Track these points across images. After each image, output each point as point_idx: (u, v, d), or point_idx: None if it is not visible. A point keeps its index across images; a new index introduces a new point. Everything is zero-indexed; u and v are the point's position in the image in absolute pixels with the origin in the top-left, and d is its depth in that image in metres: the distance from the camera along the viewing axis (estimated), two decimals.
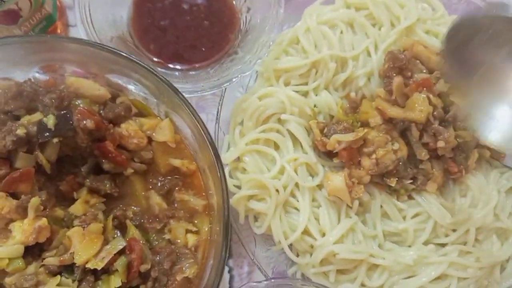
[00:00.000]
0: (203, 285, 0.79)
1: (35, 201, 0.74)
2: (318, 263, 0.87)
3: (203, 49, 1.00)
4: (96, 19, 0.92)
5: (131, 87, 0.88)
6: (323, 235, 0.88)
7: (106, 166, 0.83)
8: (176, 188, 0.86)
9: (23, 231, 0.72)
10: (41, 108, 0.80)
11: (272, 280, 0.86)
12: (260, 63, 0.96)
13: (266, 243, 0.92)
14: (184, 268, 0.79)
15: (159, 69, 0.96)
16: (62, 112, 0.77)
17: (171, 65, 0.98)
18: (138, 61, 0.79)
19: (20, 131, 0.75)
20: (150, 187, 0.86)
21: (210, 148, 0.74)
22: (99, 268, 0.73)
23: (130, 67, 0.81)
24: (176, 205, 0.86)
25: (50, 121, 0.76)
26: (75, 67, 0.88)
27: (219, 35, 1.01)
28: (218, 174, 0.74)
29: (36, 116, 0.78)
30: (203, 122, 0.77)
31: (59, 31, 0.98)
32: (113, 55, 0.80)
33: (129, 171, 0.84)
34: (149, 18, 1.00)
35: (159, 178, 0.86)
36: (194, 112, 0.77)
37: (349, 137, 0.87)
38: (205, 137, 0.75)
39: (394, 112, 0.88)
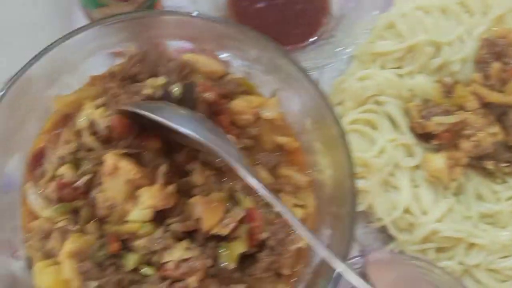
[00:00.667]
0: (313, 257, 0.81)
1: (163, 167, 0.76)
2: (419, 241, 0.89)
3: (297, 31, 1.02)
4: (197, 1, 0.95)
5: (237, 63, 0.90)
6: (425, 213, 0.90)
7: None
8: (281, 164, 0.88)
9: (152, 196, 0.74)
10: (163, 74, 0.81)
11: (369, 255, 0.87)
12: (356, 47, 0.98)
13: (364, 220, 0.94)
14: (297, 239, 0.81)
15: None
16: (187, 82, 0.79)
17: None
18: (258, 34, 0.80)
19: (147, 91, 0.77)
20: (257, 162, 0.88)
21: (335, 121, 0.76)
22: (224, 234, 0.75)
23: (247, 42, 0.83)
24: (279, 180, 0.87)
25: (177, 89, 0.77)
26: (184, 43, 0.90)
27: (313, 18, 1.03)
28: (343, 147, 0.75)
29: (161, 80, 0.79)
30: (325, 95, 0.78)
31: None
32: (230, 29, 0.82)
33: (239, 146, 0.86)
34: (247, 0, 1.02)
35: (264, 154, 0.88)
36: (314, 83, 0.78)
37: (451, 119, 0.90)
38: (329, 111, 0.77)
39: (494, 97, 0.91)
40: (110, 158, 0.73)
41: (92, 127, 0.78)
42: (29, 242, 0.79)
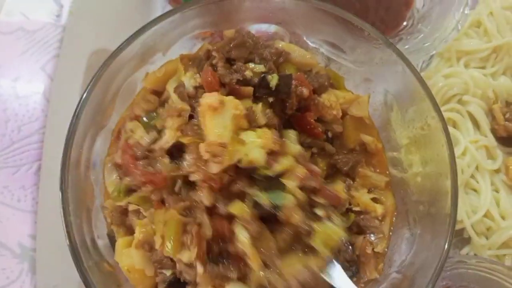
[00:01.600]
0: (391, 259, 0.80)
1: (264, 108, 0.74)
2: (496, 246, 0.87)
3: (378, 24, 1.00)
4: None
5: (325, 50, 0.87)
6: (503, 219, 0.88)
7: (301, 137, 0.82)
8: (360, 164, 0.85)
9: (261, 137, 0.69)
10: (258, 61, 0.79)
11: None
12: (441, 44, 0.96)
13: None
14: (374, 242, 0.79)
15: None
16: (284, 74, 0.77)
17: None
18: (357, 20, 0.77)
19: (248, 73, 0.75)
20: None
21: (435, 112, 0.73)
22: None
23: (342, 28, 0.80)
24: (358, 180, 0.85)
25: (274, 80, 0.75)
26: (269, 26, 0.87)
27: (395, 12, 1.00)
28: (442, 140, 0.72)
29: (259, 68, 0.77)
30: (427, 86, 0.75)
31: None
32: (324, 12, 0.79)
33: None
34: None
35: (343, 155, 0.86)
36: (417, 75, 0.75)
37: None
38: (431, 102, 0.74)
39: None
40: (213, 96, 0.69)
41: (179, 89, 0.76)
42: (109, 217, 0.77)
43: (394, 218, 0.84)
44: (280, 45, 0.84)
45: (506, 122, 0.91)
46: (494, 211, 0.88)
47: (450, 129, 0.91)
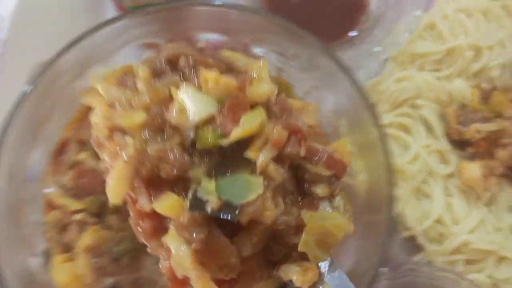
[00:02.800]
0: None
1: None
2: (449, 252, 0.86)
3: (332, 29, 0.99)
4: None
5: (272, 58, 0.86)
6: (455, 224, 0.87)
7: None
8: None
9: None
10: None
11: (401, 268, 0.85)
12: (393, 47, 0.95)
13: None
14: None
15: None
16: None
17: None
18: (299, 29, 0.77)
19: None
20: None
21: (375, 123, 0.72)
22: None
23: (286, 37, 0.79)
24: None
25: None
26: (217, 36, 0.87)
27: (349, 16, 0.99)
28: (382, 150, 0.72)
29: None
30: (367, 95, 0.74)
31: None
32: (269, 21, 0.78)
33: None
34: None
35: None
36: (358, 85, 0.75)
37: (491, 126, 0.87)
38: (370, 112, 0.73)
39: None
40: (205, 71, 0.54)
41: None
42: (48, 233, 0.76)
43: None
44: (227, 55, 0.83)
45: (459, 126, 0.90)
46: (446, 216, 0.87)
47: (401, 134, 0.91)
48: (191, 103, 0.46)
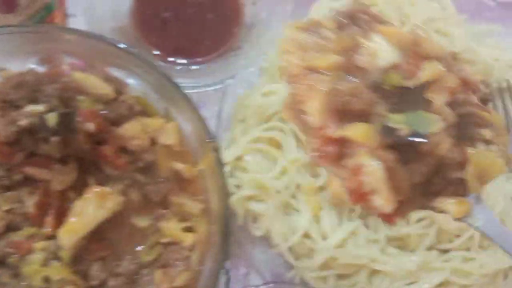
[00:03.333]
0: None
1: None
2: (317, 268, 0.85)
3: (206, 42, 0.98)
4: (97, 9, 0.90)
5: (132, 81, 0.85)
6: (324, 238, 0.86)
7: (107, 170, 0.81)
8: (173, 192, 0.84)
9: None
10: (43, 99, 0.77)
11: (270, 285, 0.84)
12: (265, 59, 0.94)
13: (264, 245, 0.90)
14: (172, 276, 0.77)
15: (159, 62, 0.93)
16: (65, 111, 0.75)
17: (172, 59, 0.95)
18: (137, 54, 0.77)
19: (23, 122, 0.72)
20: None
21: (211, 148, 0.72)
22: None
23: (130, 61, 0.79)
24: (171, 209, 0.83)
25: (52, 119, 0.73)
26: (74, 59, 0.86)
27: (223, 29, 0.99)
28: (219, 174, 0.72)
29: (37, 109, 0.75)
30: (204, 121, 0.74)
31: (57, 21, 0.94)
32: (112, 47, 0.78)
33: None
34: (152, 9, 0.97)
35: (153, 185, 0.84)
36: (195, 109, 0.75)
37: None
38: (206, 137, 0.73)
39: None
40: None
41: None
42: None
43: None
44: (77, 77, 0.82)
45: None
46: (314, 231, 0.85)
47: (269, 149, 0.89)
48: (382, 50, 0.55)
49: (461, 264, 0.87)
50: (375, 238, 0.88)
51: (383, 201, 0.50)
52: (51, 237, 0.79)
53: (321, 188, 0.89)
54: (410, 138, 0.50)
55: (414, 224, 0.88)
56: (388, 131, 0.50)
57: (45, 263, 0.77)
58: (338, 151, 0.53)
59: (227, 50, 0.97)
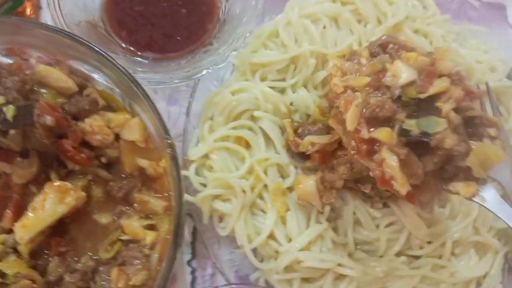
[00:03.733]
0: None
1: None
2: (282, 270, 0.83)
3: (179, 38, 0.95)
4: (65, 2, 0.88)
5: (96, 76, 0.84)
6: (290, 240, 0.83)
7: (69, 164, 0.80)
8: (136, 189, 0.82)
9: None
10: (2, 91, 0.75)
11: (233, 286, 0.82)
12: (236, 56, 0.92)
13: (231, 245, 0.88)
14: (129, 274, 0.75)
15: (128, 56, 0.91)
16: (24, 104, 0.74)
17: (142, 53, 0.93)
18: (99, 50, 0.75)
19: None
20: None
21: (167, 146, 0.70)
22: None
23: (91, 55, 0.77)
24: (135, 206, 0.82)
25: (10, 112, 0.72)
26: (39, 52, 0.84)
27: (197, 24, 0.96)
28: (174, 172, 0.70)
29: None
30: (162, 118, 0.72)
31: (28, 12, 0.93)
32: (72, 41, 0.76)
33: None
34: (124, 3, 0.95)
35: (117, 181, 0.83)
36: (153, 105, 0.73)
37: (323, 139, 0.83)
38: (163, 134, 0.71)
39: None
40: None
41: None
42: None
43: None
44: (40, 69, 0.80)
45: (297, 138, 0.86)
46: (279, 232, 0.83)
47: (237, 148, 0.87)
48: (402, 72, 0.69)
49: (431, 272, 0.85)
50: (343, 242, 0.86)
51: (399, 185, 0.65)
52: (9, 231, 0.78)
53: (289, 189, 0.87)
54: (421, 137, 0.65)
55: (384, 229, 0.86)
56: (403, 132, 0.66)
57: (1, 258, 0.76)
58: (369, 149, 0.68)
59: (199, 46, 0.94)
